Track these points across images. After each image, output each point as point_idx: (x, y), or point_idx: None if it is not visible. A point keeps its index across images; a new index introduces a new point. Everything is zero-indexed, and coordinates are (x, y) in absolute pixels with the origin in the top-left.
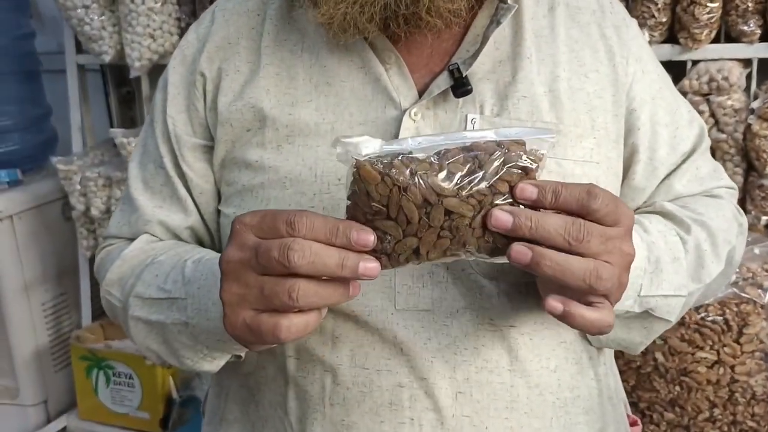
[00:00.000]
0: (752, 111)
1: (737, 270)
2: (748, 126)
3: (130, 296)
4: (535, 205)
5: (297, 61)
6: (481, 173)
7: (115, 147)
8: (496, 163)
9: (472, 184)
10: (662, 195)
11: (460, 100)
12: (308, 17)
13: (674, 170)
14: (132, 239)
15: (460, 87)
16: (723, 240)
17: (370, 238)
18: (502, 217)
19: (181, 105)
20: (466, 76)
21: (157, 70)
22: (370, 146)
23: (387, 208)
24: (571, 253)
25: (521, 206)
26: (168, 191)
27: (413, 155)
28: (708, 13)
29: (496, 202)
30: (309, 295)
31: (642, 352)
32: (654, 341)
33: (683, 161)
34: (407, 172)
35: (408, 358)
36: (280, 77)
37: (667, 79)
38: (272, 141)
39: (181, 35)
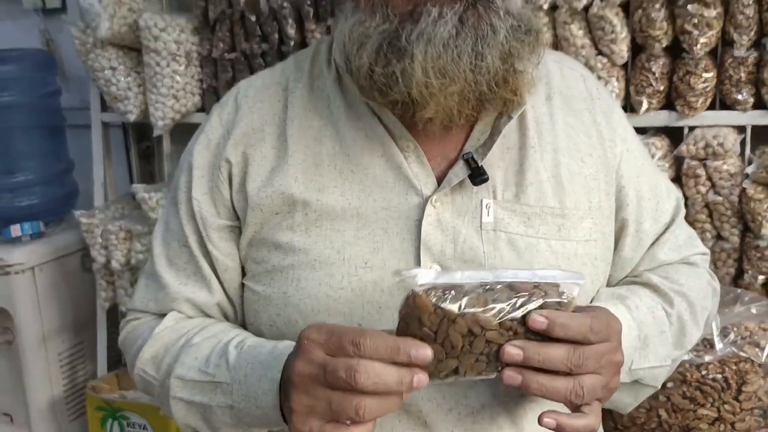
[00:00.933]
0: (747, 175)
1: (735, 329)
2: (743, 190)
3: (170, 377)
4: (544, 334)
5: (321, 148)
6: (520, 311)
7: (135, 201)
8: (533, 304)
9: (510, 318)
10: (647, 264)
11: (475, 186)
12: (331, 106)
13: (657, 240)
14: (158, 314)
15: (477, 176)
16: (701, 308)
17: (428, 353)
18: (513, 351)
19: (205, 187)
20: (481, 165)
21: (178, 128)
22: (426, 277)
23: (435, 334)
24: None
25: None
26: (192, 269)
27: (463, 288)
28: (703, 82)
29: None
30: (373, 410)
31: (646, 409)
32: (657, 398)
33: (664, 231)
34: (456, 305)
35: (430, 429)
36: (306, 164)
37: (647, 154)
38: (301, 224)
39: (202, 96)
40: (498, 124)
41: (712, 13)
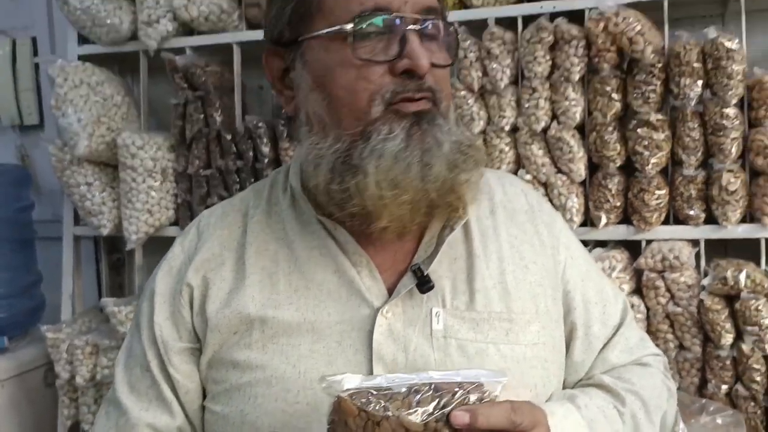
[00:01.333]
0: (703, 287)
1: None
2: (701, 301)
3: None
4: (468, 429)
5: (277, 268)
6: (444, 410)
7: (103, 314)
8: (457, 403)
9: (435, 418)
10: (599, 367)
11: (425, 295)
12: (285, 229)
13: (607, 343)
14: None
15: (424, 284)
16: (655, 406)
17: None
18: None
19: (167, 312)
20: (427, 274)
21: (150, 240)
22: (351, 382)
23: None
24: None
25: None
26: (154, 393)
27: (388, 391)
28: (656, 199)
29: None
30: None
31: None
32: None
33: (614, 334)
34: (381, 407)
35: None
36: (263, 284)
37: (592, 262)
38: (258, 341)
39: (176, 210)
40: (442, 236)
41: (660, 135)
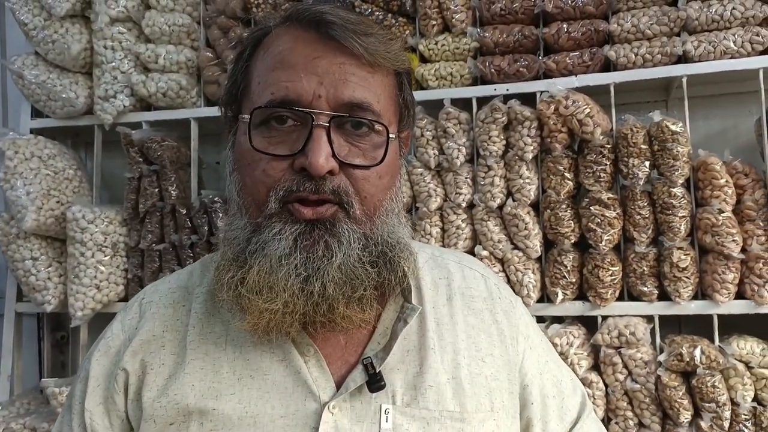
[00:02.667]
0: (660, 363)
1: None
2: (659, 377)
3: None
4: None
5: (221, 354)
6: None
7: (43, 395)
8: None
9: None
10: None
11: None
12: (235, 323)
13: None
14: None
15: (375, 382)
16: None
17: None
18: None
19: (99, 397)
20: (379, 371)
21: (97, 318)
22: None
23: None
24: None
25: None
26: None
27: None
28: (611, 275)
29: None
30: None
31: None
32: None
33: (571, 428)
34: None
35: None
36: (204, 371)
37: (551, 350)
38: None
39: (127, 286)
40: (396, 328)
41: (612, 213)
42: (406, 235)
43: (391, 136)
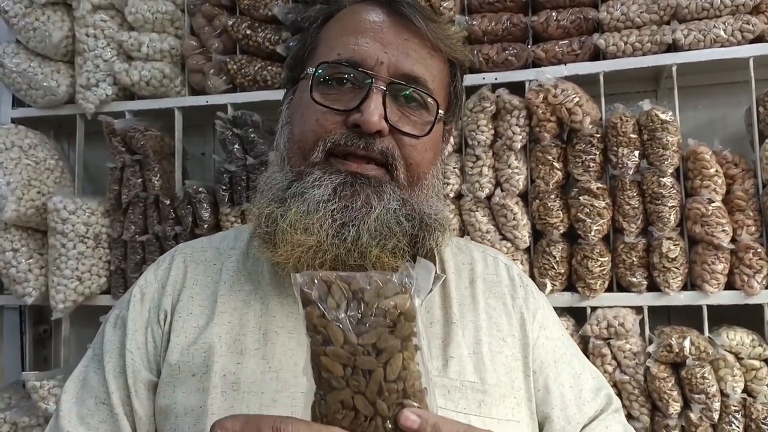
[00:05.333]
0: (649, 355)
1: None
2: (648, 369)
3: None
4: None
5: (249, 309)
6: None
7: (24, 389)
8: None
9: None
10: None
11: None
12: (262, 271)
13: (584, 428)
14: None
15: None
16: None
17: None
18: None
19: (140, 341)
20: None
21: (79, 311)
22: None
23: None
24: None
25: None
26: (108, 428)
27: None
28: (600, 266)
29: None
30: None
31: None
32: None
33: (591, 421)
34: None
35: None
36: (231, 324)
37: (573, 345)
38: (217, 387)
39: (109, 278)
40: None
41: (601, 203)
42: (444, 214)
43: (440, 112)
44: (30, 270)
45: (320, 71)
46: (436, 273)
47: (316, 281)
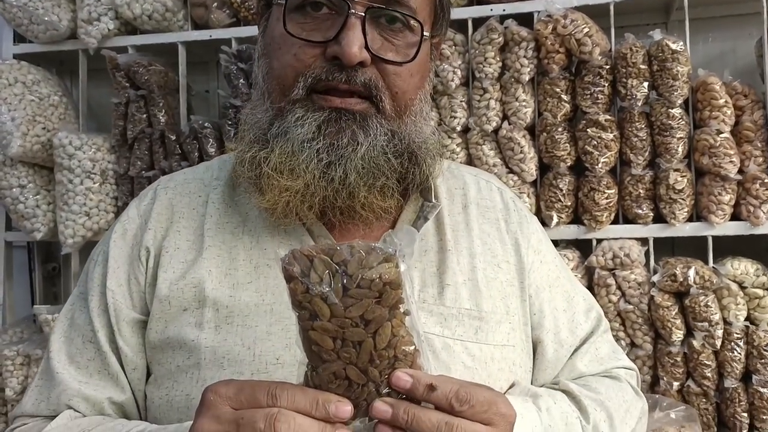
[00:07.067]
0: (654, 284)
1: None
2: (652, 298)
3: None
4: (408, 394)
5: (238, 242)
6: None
7: (35, 324)
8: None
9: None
10: (567, 374)
11: None
12: (251, 202)
13: (576, 351)
14: (50, 417)
15: None
16: (621, 421)
17: (347, 409)
18: (381, 407)
19: (121, 278)
20: None
21: (88, 246)
22: None
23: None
24: None
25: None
26: (96, 366)
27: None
28: (606, 198)
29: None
30: None
31: None
32: None
33: (582, 343)
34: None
35: None
36: (221, 258)
37: (565, 268)
38: (210, 321)
39: (117, 213)
40: (415, 226)
41: (609, 135)
42: (434, 139)
43: (425, 34)
44: (38, 206)
45: (291, 1)
46: (431, 202)
47: (297, 256)
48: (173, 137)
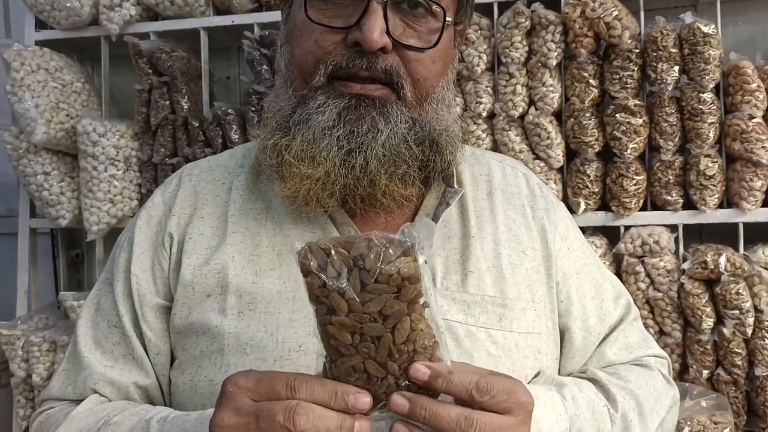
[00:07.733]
0: (684, 271)
1: (689, 423)
2: (681, 285)
3: None
4: (426, 386)
5: (261, 229)
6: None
7: (59, 310)
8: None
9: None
10: (595, 362)
11: None
12: (274, 189)
13: (605, 339)
14: (77, 401)
15: None
16: (650, 410)
17: (366, 400)
18: (399, 401)
19: (146, 264)
20: None
21: (112, 233)
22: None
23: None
24: None
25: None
26: (122, 350)
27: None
28: (635, 184)
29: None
30: None
31: None
32: None
33: (612, 331)
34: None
35: None
36: (245, 245)
37: (593, 256)
38: (234, 307)
39: (141, 201)
40: (438, 212)
41: (638, 121)
42: (456, 126)
43: (447, 20)
44: (62, 193)
45: None
46: (454, 188)
47: (313, 250)
48: (196, 124)
